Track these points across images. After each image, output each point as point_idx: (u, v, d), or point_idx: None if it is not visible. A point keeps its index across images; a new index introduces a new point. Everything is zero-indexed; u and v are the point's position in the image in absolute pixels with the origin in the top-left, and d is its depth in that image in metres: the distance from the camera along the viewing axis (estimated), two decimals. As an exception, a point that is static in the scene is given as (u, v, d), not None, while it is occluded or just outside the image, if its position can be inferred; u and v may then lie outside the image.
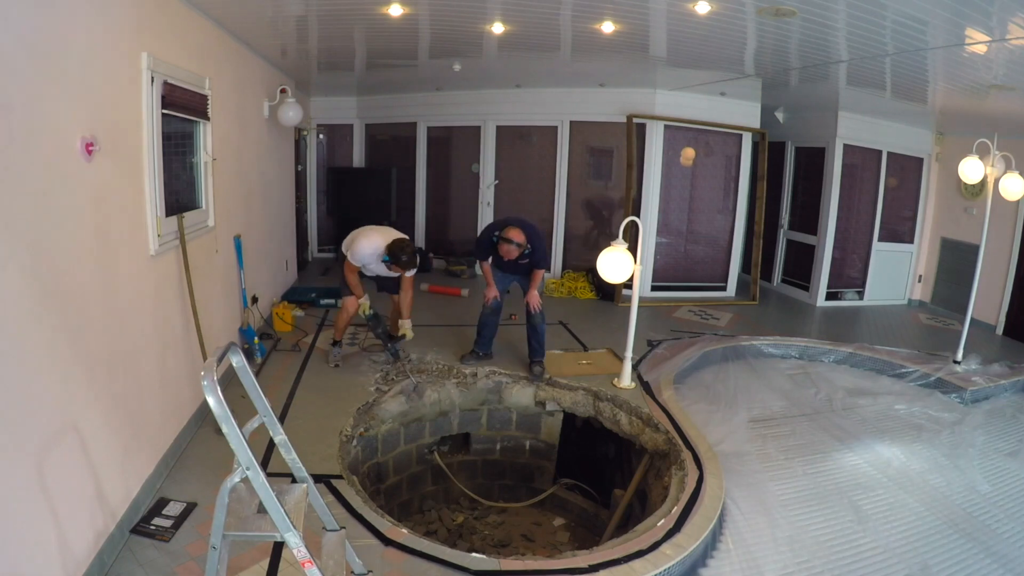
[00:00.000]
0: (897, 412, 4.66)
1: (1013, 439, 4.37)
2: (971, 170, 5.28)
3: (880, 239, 7.64)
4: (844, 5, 3.29)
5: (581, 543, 4.11)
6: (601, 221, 7.76)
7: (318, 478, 3.03)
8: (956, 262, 7.35)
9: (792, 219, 8.08)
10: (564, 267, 7.74)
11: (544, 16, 4.06)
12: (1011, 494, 3.65)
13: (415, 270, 4.53)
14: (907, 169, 7.64)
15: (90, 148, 2.33)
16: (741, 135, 7.30)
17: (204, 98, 3.72)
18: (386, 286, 4.81)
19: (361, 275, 4.58)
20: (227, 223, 4.38)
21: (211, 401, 1.57)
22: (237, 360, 1.85)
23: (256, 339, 4.74)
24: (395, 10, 3.87)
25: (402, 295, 4.62)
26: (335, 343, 4.76)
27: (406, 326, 4.64)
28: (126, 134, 2.75)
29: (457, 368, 4.63)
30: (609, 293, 6.93)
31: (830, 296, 7.59)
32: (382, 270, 4.53)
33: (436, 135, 8.45)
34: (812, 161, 7.63)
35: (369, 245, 4.38)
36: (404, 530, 2.83)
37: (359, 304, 4.54)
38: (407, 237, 4.47)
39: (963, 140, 6.51)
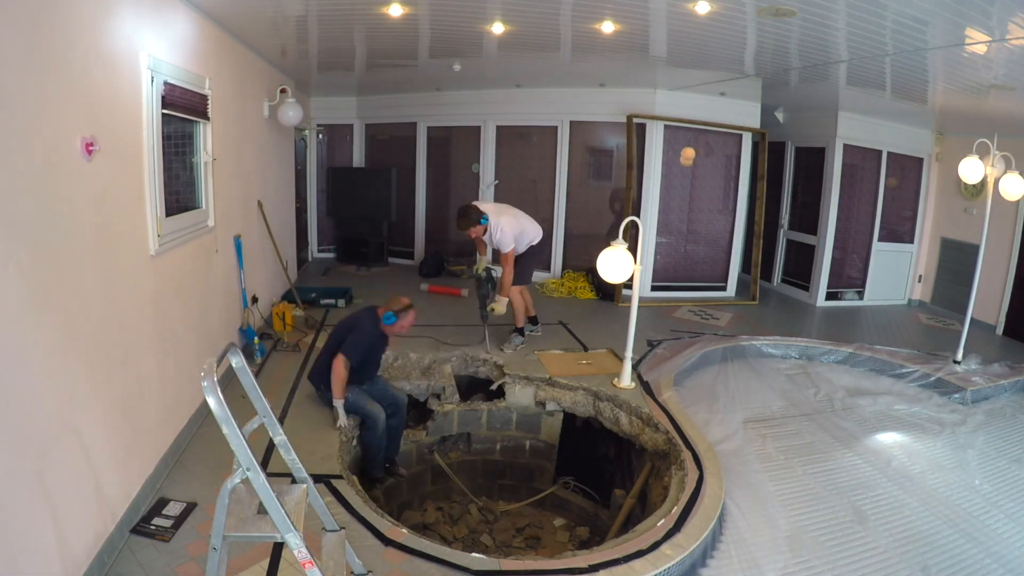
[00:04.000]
0: (897, 412, 4.66)
1: (1015, 440, 4.36)
2: (971, 170, 5.28)
3: (880, 239, 7.64)
4: (844, 5, 3.29)
5: (582, 543, 4.10)
6: (601, 221, 7.76)
7: (318, 478, 3.03)
8: (956, 262, 7.35)
9: (792, 219, 8.07)
10: (564, 267, 7.74)
11: (544, 16, 4.06)
12: (1011, 494, 3.65)
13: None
14: (907, 169, 7.64)
15: (90, 148, 2.33)
16: (741, 135, 7.29)
17: (204, 98, 3.72)
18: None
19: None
20: (227, 223, 4.38)
21: (211, 402, 1.57)
22: (236, 361, 1.85)
23: (256, 339, 4.75)
24: (395, 10, 3.87)
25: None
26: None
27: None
28: (126, 134, 2.75)
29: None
30: (609, 293, 6.93)
31: (830, 296, 7.59)
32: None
33: (436, 135, 8.44)
34: (812, 161, 7.62)
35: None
36: (404, 530, 2.83)
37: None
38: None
39: (963, 140, 6.50)
